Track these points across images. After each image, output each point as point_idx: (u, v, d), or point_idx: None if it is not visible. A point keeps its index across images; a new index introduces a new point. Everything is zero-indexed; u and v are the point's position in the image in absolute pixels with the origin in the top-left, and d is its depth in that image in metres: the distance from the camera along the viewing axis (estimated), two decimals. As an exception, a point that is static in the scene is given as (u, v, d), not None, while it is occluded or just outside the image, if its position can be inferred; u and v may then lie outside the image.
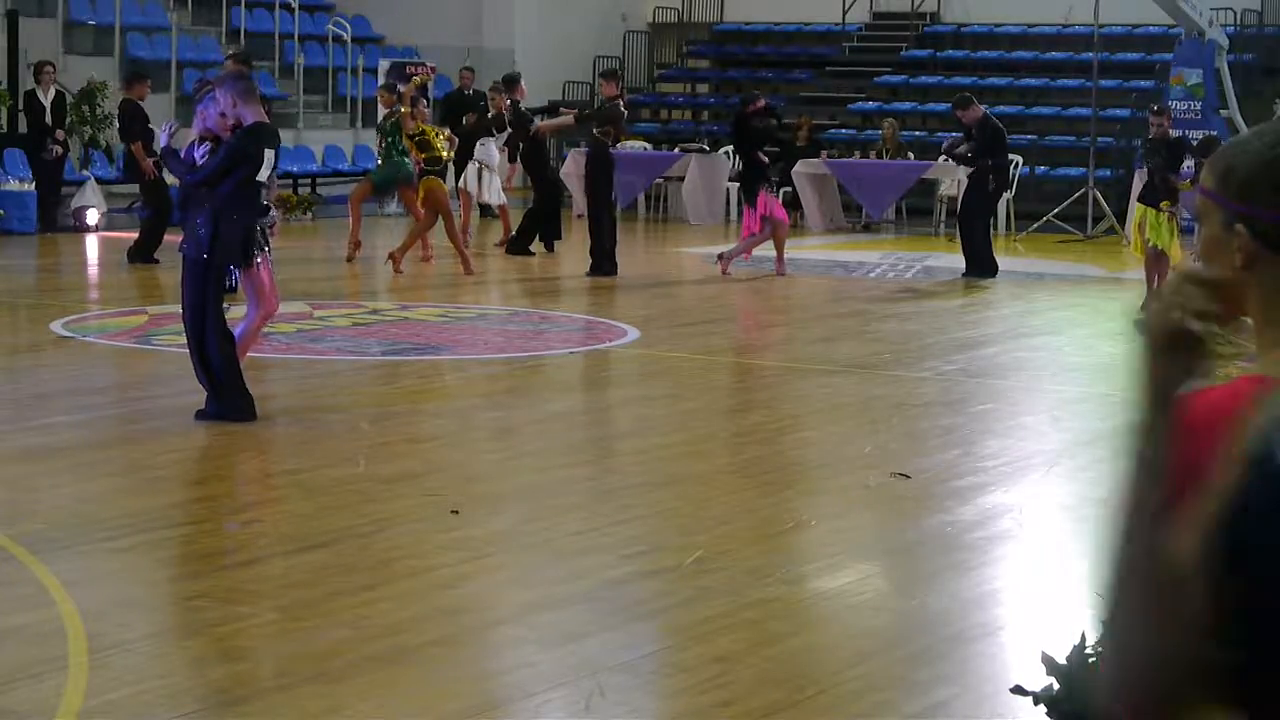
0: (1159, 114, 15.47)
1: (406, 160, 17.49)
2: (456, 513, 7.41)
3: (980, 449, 9.26)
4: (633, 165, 23.60)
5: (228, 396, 9.28)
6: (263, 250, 9.70)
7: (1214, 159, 2.18)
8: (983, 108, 18.32)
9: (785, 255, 17.48)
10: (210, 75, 13.45)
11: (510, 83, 19.57)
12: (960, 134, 18.66)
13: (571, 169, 21.80)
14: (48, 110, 20.29)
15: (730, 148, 21.04)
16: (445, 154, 17.31)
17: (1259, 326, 2.15)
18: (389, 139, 17.74)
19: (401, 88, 19.14)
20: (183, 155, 9.58)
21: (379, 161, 18.41)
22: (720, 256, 17.38)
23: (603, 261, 17.00)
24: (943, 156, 21.03)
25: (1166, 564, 1.98)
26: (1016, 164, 23.13)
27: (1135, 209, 15.47)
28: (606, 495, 8.06)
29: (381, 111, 19.17)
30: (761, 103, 17.94)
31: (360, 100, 26.30)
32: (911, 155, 23.72)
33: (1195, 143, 15.99)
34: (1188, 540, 2.04)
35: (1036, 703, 4.20)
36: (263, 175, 9.42)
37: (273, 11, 26.89)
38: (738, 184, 19.79)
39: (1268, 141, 2.14)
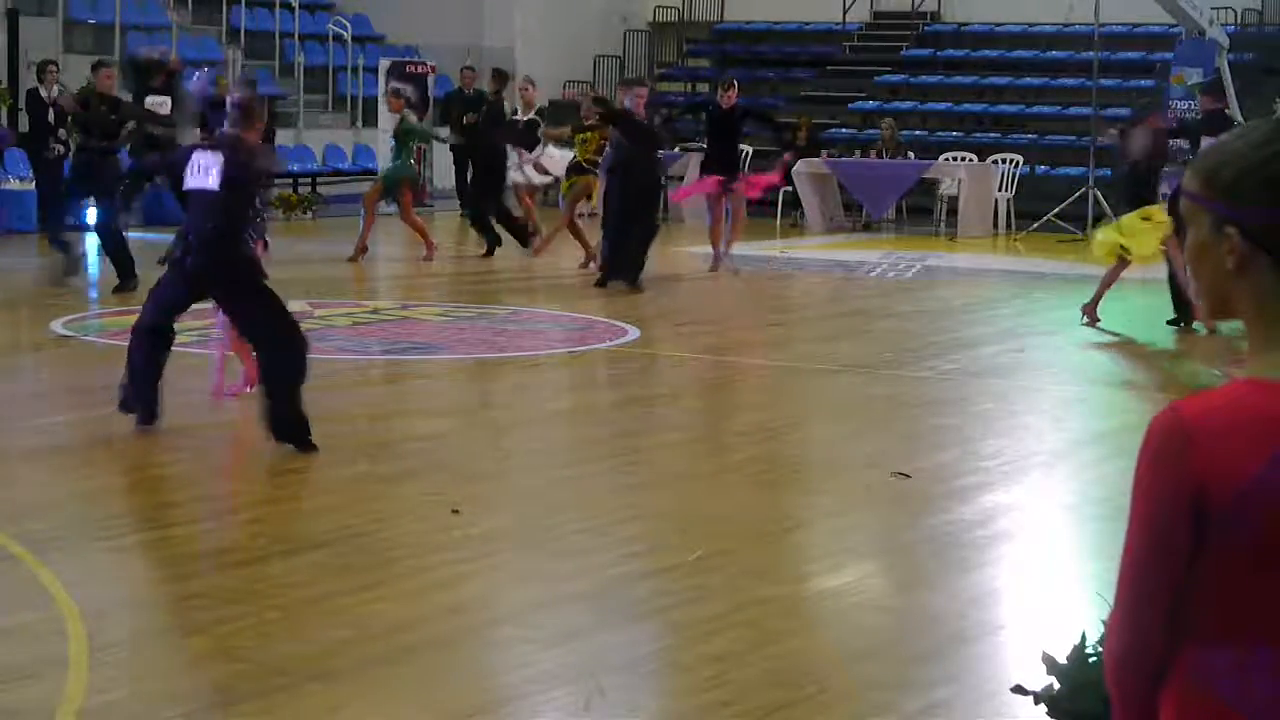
0: (1206, 92, 15.29)
1: (411, 161, 17.70)
2: (457, 512, 7.41)
3: (980, 449, 9.25)
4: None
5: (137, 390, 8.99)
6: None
7: (1198, 162, 2.16)
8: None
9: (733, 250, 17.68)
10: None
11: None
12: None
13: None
14: (49, 110, 20.27)
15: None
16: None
17: (1252, 329, 2.15)
18: (406, 141, 17.95)
19: (406, 91, 19.03)
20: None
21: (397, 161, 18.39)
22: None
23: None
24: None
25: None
26: (1017, 163, 23.16)
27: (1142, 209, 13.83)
28: (606, 495, 8.06)
29: (391, 116, 19.19)
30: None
31: (360, 99, 26.30)
32: (912, 155, 23.75)
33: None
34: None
35: (1037, 702, 4.21)
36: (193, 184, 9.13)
37: (273, 10, 26.90)
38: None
39: (1253, 141, 2.12)
